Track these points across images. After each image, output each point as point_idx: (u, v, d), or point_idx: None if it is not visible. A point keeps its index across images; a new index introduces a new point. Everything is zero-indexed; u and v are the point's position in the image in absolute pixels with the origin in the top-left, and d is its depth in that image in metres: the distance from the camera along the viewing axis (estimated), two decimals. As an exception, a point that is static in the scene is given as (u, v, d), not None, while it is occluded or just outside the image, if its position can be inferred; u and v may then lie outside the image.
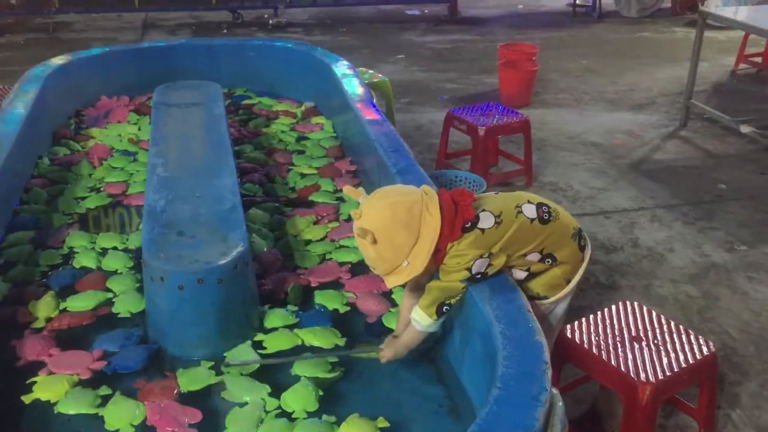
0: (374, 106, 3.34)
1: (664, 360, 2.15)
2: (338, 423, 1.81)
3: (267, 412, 1.86)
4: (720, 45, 7.21)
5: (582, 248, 2.10)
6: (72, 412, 1.87)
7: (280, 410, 1.87)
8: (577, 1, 9.16)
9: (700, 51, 5.04)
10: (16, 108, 3.24)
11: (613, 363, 2.15)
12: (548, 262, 2.03)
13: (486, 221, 1.91)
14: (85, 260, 2.54)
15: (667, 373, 2.10)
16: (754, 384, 2.73)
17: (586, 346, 2.22)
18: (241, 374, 1.99)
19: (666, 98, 5.95)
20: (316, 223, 2.83)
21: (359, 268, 2.47)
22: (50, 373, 2.00)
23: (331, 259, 2.58)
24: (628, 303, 2.42)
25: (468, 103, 4.58)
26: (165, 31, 8.38)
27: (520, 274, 2.03)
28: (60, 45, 7.35)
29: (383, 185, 2.11)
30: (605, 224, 3.92)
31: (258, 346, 2.11)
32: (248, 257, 2.16)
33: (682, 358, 2.16)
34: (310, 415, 1.86)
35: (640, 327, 2.30)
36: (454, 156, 4.52)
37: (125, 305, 2.29)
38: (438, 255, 1.89)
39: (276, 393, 1.92)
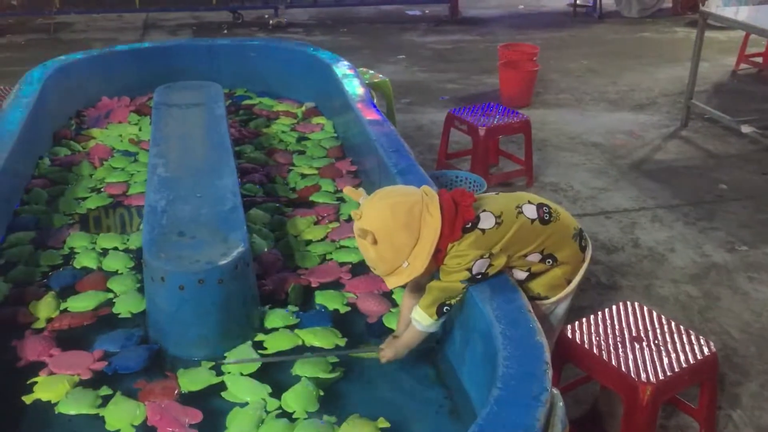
0: (375, 106, 3.34)
1: (665, 360, 2.15)
2: (339, 423, 1.81)
3: (267, 413, 1.86)
4: (721, 45, 7.21)
5: (583, 249, 2.10)
6: (73, 412, 1.87)
7: (280, 410, 1.87)
8: (578, 2, 9.16)
9: (700, 51, 5.04)
10: (17, 108, 3.24)
11: (613, 363, 2.14)
12: (549, 262, 2.03)
13: (486, 222, 1.91)
14: (85, 260, 2.54)
15: (668, 374, 2.10)
16: (754, 384, 2.73)
17: (586, 346, 2.22)
18: (242, 374, 1.99)
19: (667, 98, 5.95)
20: (316, 223, 2.83)
21: (360, 269, 2.47)
22: (51, 373, 2.00)
23: (331, 259, 2.58)
24: (628, 303, 2.42)
25: (469, 104, 4.59)
26: (166, 32, 8.39)
27: (520, 274, 2.03)
28: (61, 45, 7.36)
29: (384, 185, 2.11)
30: (606, 224, 3.92)
31: (258, 346, 2.11)
32: (249, 257, 2.17)
33: (682, 358, 2.16)
34: (310, 415, 1.86)
35: (641, 327, 2.30)
36: (455, 156, 4.52)
37: (126, 305, 2.29)
38: (438, 255, 1.89)
39: (277, 393, 1.92)
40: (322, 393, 1.93)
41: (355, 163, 3.32)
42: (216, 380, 1.98)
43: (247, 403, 1.89)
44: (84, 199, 3.03)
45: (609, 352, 2.19)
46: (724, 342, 2.95)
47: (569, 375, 2.42)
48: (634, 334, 2.27)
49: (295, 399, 1.89)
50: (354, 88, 3.56)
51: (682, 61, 6.54)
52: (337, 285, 2.43)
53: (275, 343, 2.12)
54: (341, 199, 3.00)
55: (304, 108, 4.07)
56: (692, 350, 2.20)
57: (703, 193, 4.28)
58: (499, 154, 4.55)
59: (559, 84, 6.32)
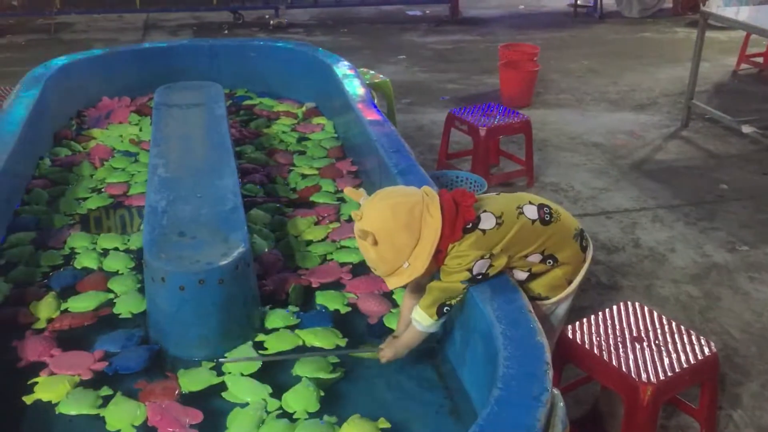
0: (375, 106, 3.34)
1: (666, 360, 2.15)
2: (339, 423, 1.81)
3: (268, 413, 1.86)
4: (721, 45, 7.21)
5: (583, 249, 2.10)
6: (73, 412, 1.87)
7: (281, 411, 1.87)
8: (579, 2, 9.16)
9: (701, 51, 5.04)
10: (18, 109, 3.24)
11: (614, 363, 2.14)
12: (549, 262, 2.03)
13: (487, 222, 1.91)
14: (86, 261, 2.54)
15: (669, 374, 2.10)
16: (755, 384, 2.73)
17: (587, 346, 2.22)
18: (242, 375, 1.99)
19: (667, 98, 5.95)
20: (317, 223, 2.83)
21: (360, 269, 2.46)
22: (51, 373, 2.00)
23: (332, 259, 2.58)
24: (629, 303, 2.42)
25: (469, 104, 4.59)
26: (166, 32, 8.39)
27: (521, 274, 2.03)
28: (61, 46, 7.36)
29: (384, 186, 2.11)
30: (606, 224, 3.92)
31: (259, 346, 2.11)
32: (249, 258, 2.17)
33: (683, 358, 2.16)
34: (311, 415, 1.86)
35: (642, 327, 2.30)
36: (455, 156, 4.52)
37: (126, 306, 2.29)
38: (439, 256, 1.89)
39: (277, 393, 1.92)
40: (322, 393, 1.93)
41: (356, 163, 3.32)
42: (216, 380, 1.98)
43: (247, 404, 1.89)
44: (84, 199, 3.03)
45: (609, 353, 2.19)
46: (724, 342, 2.95)
47: (570, 375, 2.42)
48: (634, 335, 2.26)
49: (296, 399, 1.89)
50: (354, 88, 3.56)
51: (683, 61, 6.54)
52: (337, 285, 2.43)
53: (276, 344, 2.12)
54: (342, 200, 3.00)
55: (304, 108, 4.07)
56: (693, 350, 2.20)
57: (704, 193, 4.28)
58: (499, 155, 4.55)
59: (559, 84, 6.32)
